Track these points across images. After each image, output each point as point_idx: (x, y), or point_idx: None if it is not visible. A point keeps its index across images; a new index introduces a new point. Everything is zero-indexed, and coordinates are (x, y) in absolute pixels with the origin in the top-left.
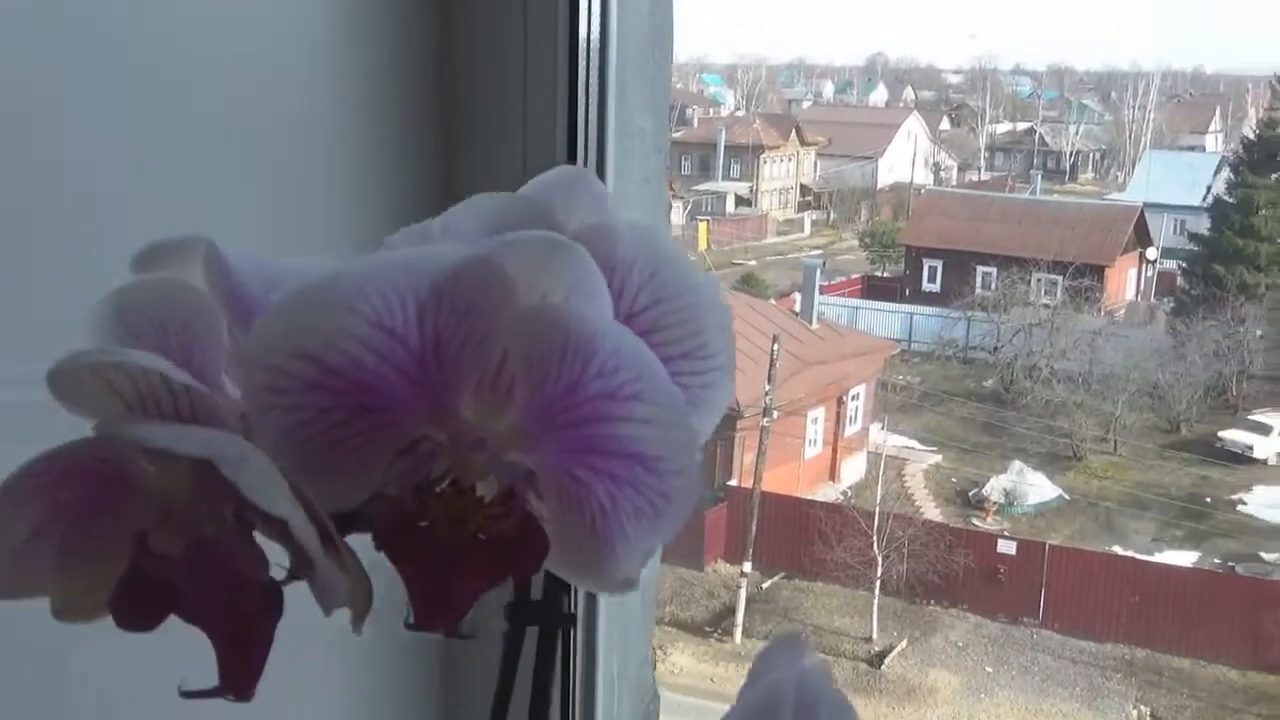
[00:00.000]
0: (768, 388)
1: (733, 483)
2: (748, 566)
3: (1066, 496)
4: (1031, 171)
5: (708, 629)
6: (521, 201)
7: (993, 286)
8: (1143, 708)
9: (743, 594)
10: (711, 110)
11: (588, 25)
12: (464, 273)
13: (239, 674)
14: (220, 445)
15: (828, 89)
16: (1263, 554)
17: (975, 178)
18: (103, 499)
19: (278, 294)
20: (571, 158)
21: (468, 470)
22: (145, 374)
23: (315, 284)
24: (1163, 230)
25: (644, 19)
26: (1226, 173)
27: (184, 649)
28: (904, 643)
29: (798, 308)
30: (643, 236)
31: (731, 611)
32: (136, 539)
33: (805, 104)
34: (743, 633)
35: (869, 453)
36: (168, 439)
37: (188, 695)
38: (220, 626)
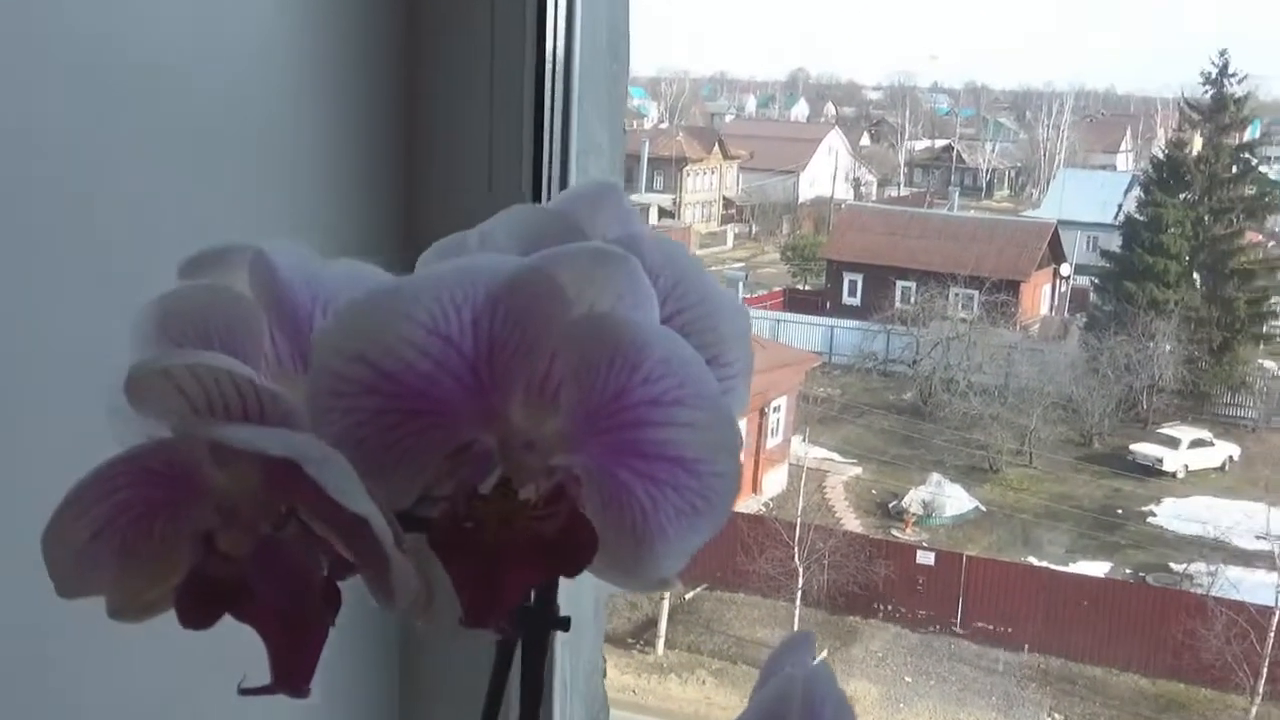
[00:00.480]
0: None
1: None
2: None
3: (983, 508)
4: (949, 188)
5: (630, 640)
6: (552, 215)
7: (912, 300)
8: (1057, 716)
9: (665, 605)
10: (635, 122)
11: (553, 40)
12: (520, 282)
13: (295, 671)
14: (303, 446)
15: (750, 103)
16: (1171, 565)
17: (895, 193)
18: (165, 501)
19: (330, 302)
20: (537, 171)
21: (520, 472)
22: (218, 375)
23: (375, 292)
24: (1076, 247)
25: (602, 34)
26: (1137, 191)
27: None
28: (824, 653)
29: None
30: (667, 248)
31: (654, 623)
32: (203, 539)
33: (728, 117)
34: (665, 644)
35: (790, 465)
36: (254, 439)
37: (246, 693)
38: (279, 624)
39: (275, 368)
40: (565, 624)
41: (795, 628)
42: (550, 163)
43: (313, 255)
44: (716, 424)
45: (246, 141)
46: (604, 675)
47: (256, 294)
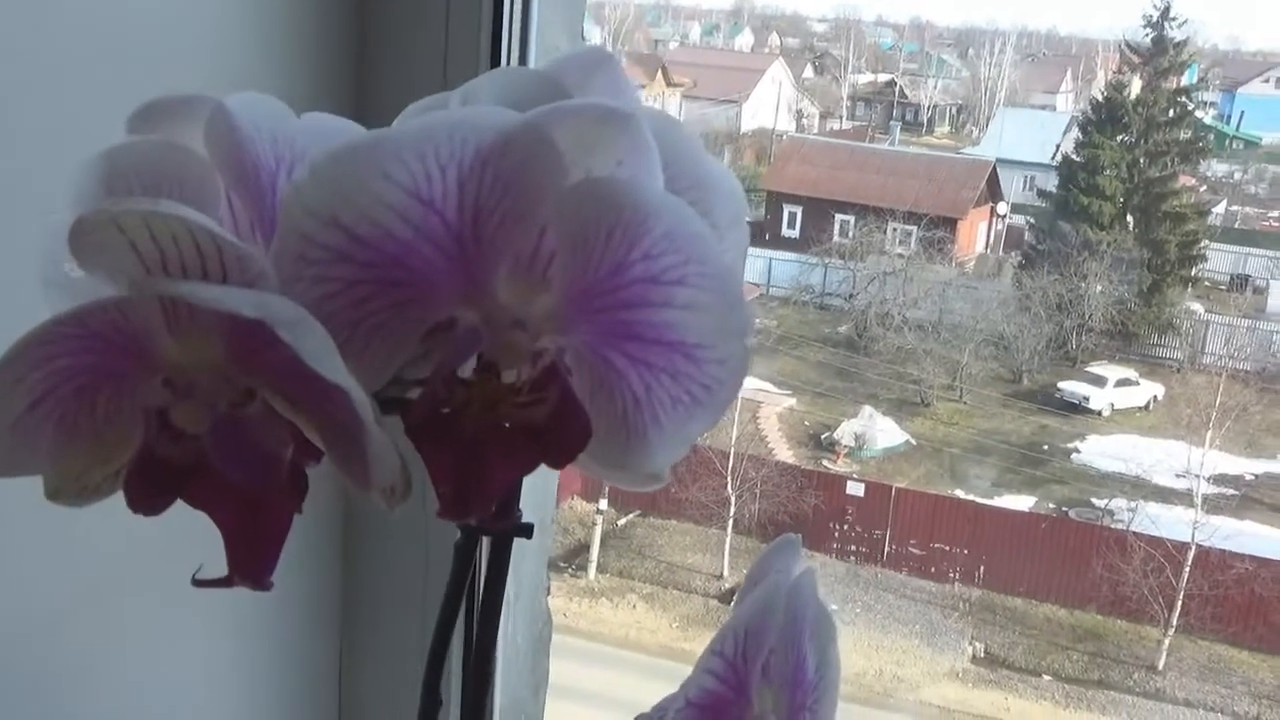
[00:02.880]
0: None
1: None
2: (604, 503)
3: (913, 441)
4: (891, 123)
5: (562, 564)
6: (541, 78)
7: (850, 234)
8: (977, 644)
9: (598, 530)
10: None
11: None
12: (513, 141)
13: (256, 560)
14: (278, 308)
15: (694, 31)
16: (1094, 500)
17: (836, 126)
18: (111, 371)
19: (298, 163)
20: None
21: (507, 353)
22: (175, 229)
23: (351, 147)
24: (1013, 186)
25: None
26: (1075, 132)
27: None
28: None
29: None
30: (661, 122)
31: (586, 548)
32: (156, 415)
33: (672, 45)
34: (596, 569)
35: None
36: (222, 298)
37: (200, 584)
38: (240, 508)
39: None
40: (528, 531)
41: (726, 555)
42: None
43: (282, 110)
44: (721, 306)
45: (195, 41)
46: (548, 593)
47: (214, 152)
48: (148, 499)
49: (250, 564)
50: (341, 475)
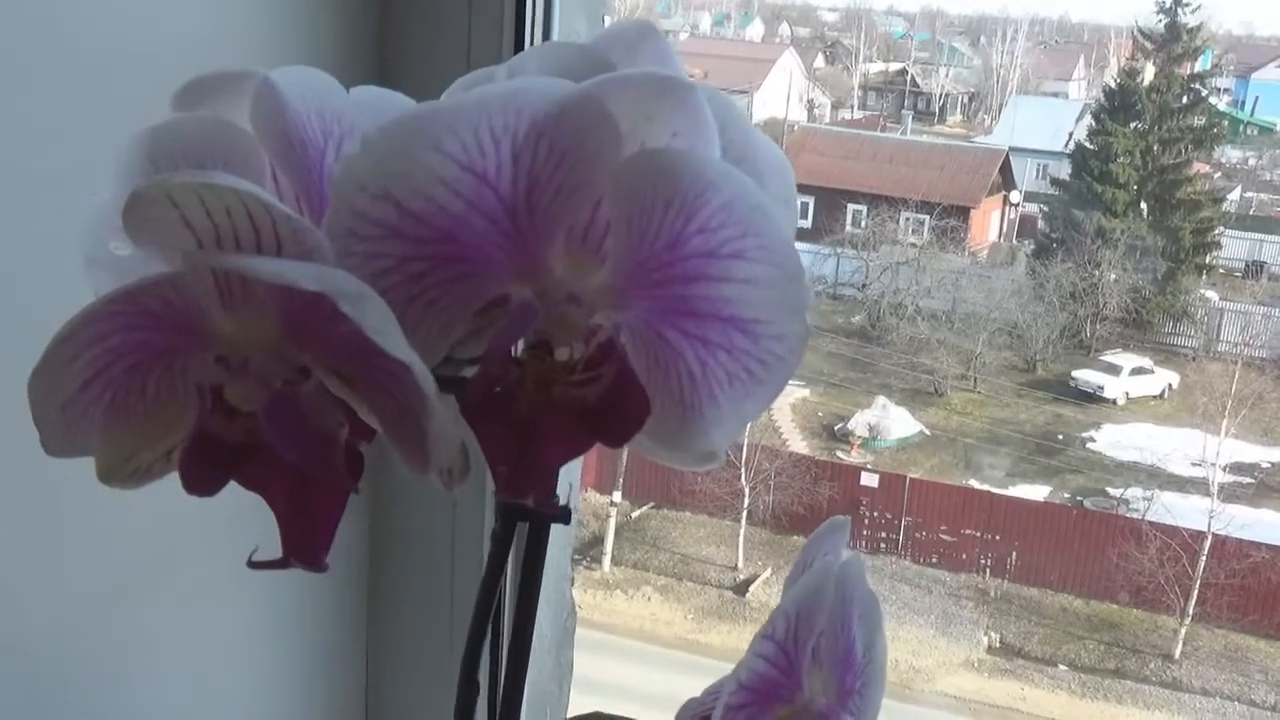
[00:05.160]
0: None
1: None
2: (617, 496)
3: (927, 431)
4: (903, 112)
5: (576, 557)
6: (588, 53)
7: (862, 224)
8: (993, 634)
9: (612, 523)
10: None
11: None
12: (569, 111)
13: (312, 540)
14: (337, 280)
15: (705, 21)
16: (1109, 489)
17: (848, 116)
18: (163, 349)
19: (346, 138)
20: None
21: (562, 329)
22: (230, 202)
23: (404, 119)
24: (1026, 174)
25: None
26: (1088, 120)
27: None
28: (768, 571)
29: None
30: (714, 95)
31: (601, 540)
32: (210, 392)
33: (682, 35)
34: (611, 561)
35: None
36: (282, 272)
37: (255, 566)
38: (295, 488)
39: None
40: (567, 515)
41: (740, 547)
42: None
43: (330, 84)
44: (780, 280)
45: (217, 27)
46: (572, 583)
47: (260, 128)
48: (203, 479)
49: (306, 545)
50: (398, 457)
